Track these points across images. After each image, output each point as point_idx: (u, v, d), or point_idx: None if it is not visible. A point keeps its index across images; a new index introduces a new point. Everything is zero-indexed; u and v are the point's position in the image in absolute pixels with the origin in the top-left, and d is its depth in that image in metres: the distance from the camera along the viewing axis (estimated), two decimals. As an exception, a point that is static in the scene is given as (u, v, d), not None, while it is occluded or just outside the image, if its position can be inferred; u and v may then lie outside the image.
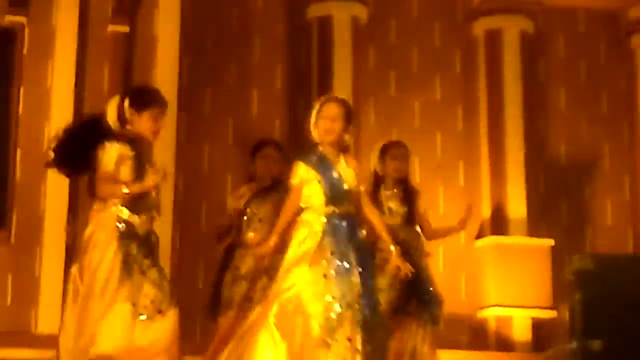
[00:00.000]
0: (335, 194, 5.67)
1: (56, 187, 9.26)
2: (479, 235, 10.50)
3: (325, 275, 5.43)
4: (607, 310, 4.10)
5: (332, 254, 5.50)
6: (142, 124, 5.48)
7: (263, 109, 10.66)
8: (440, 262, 9.92)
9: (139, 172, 5.38)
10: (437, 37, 11.17)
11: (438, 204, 10.54)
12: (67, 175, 5.98)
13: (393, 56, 11.01)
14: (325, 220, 5.58)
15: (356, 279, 5.43)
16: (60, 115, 9.46)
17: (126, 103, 5.46)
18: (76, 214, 9.28)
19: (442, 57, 11.08)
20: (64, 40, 9.72)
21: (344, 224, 5.61)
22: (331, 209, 5.63)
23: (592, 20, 11.40)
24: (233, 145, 10.41)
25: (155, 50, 9.76)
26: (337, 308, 5.33)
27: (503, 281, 10.14)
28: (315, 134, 5.85)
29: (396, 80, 10.98)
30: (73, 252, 9.02)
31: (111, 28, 10.01)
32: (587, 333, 4.03)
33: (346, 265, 5.46)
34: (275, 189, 7.15)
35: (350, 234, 5.58)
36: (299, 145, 10.14)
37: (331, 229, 5.56)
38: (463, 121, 10.93)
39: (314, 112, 5.86)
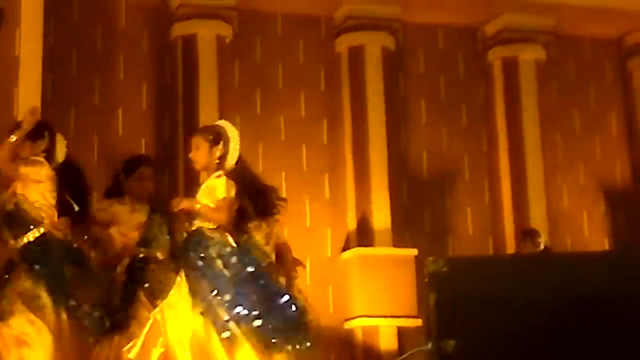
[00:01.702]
0: None
1: None
2: (345, 247, 10.65)
3: None
4: (461, 311, 4.21)
5: None
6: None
7: (129, 127, 10.61)
8: (307, 274, 10.01)
9: None
10: (301, 54, 11.31)
11: (305, 217, 10.67)
12: None
13: (258, 73, 11.10)
14: None
15: None
16: None
17: None
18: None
19: (306, 74, 11.22)
20: None
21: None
22: None
23: (450, 36, 11.69)
24: (98, 164, 10.31)
25: (17, 70, 9.60)
26: None
27: (369, 292, 10.28)
28: None
29: (261, 97, 11.07)
30: None
31: (-29, 48, 9.81)
32: (442, 334, 4.14)
33: None
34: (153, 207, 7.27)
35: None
36: (165, 163, 10.22)
37: None
38: (328, 135, 11.09)
39: None
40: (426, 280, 4.25)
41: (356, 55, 11.13)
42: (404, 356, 4.20)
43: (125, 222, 7.07)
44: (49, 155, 6.60)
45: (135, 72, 10.79)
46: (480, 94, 11.66)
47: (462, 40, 11.71)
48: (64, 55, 10.49)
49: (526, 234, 9.73)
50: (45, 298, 6.10)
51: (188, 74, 10.59)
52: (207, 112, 10.37)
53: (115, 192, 7.37)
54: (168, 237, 7.18)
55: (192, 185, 10.10)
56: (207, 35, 10.69)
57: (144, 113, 10.71)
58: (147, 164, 7.58)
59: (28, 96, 9.50)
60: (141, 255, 7.06)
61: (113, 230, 7.16)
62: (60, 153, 6.73)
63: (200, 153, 6.38)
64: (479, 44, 11.69)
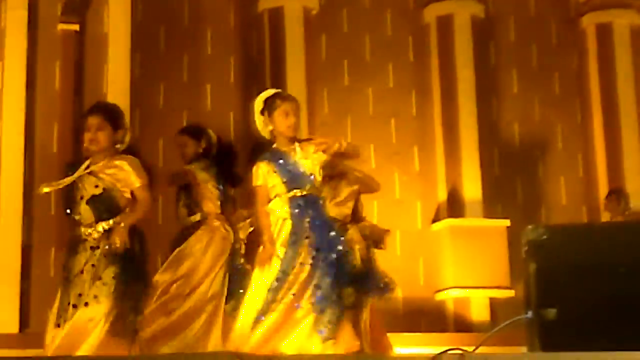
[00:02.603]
0: (293, 179, 5.80)
1: (10, 186, 9.21)
2: (436, 219, 10.56)
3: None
4: (561, 280, 4.12)
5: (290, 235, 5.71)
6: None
7: (217, 102, 10.64)
8: (397, 246, 9.94)
9: None
10: (388, 25, 11.20)
11: (394, 190, 10.59)
12: None
13: (345, 45, 11.03)
14: (288, 205, 5.76)
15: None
16: (12, 114, 9.40)
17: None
18: (31, 214, 9.22)
19: (394, 45, 11.11)
20: (14, 39, 9.62)
21: (304, 203, 5.78)
22: (292, 193, 5.77)
23: (542, 3, 11.48)
24: (188, 140, 10.36)
25: (107, 47, 9.71)
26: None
27: (460, 263, 10.19)
28: (268, 129, 5.93)
29: (349, 69, 10.99)
30: (29, 251, 9.01)
31: (61, 26, 9.91)
32: (542, 302, 4.05)
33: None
34: None
35: (308, 213, 5.76)
36: (253, 137, 10.20)
37: (293, 212, 5.75)
38: (417, 107, 10.98)
39: (266, 110, 5.92)
40: (525, 248, 4.17)
41: (445, 25, 10.98)
42: (502, 325, 4.08)
43: None
44: None
45: (222, 47, 10.80)
46: (573, 62, 11.43)
47: (554, 7, 11.49)
48: (151, 32, 10.55)
49: (612, 192, 9.63)
50: None
51: (275, 47, 10.57)
52: (295, 85, 10.33)
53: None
54: None
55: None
56: (294, 7, 10.65)
57: (232, 87, 10.73)
58: None
59: (117, 73, 9.62)
60: None
61: None
62: None
63: (297, 121, 6.10)
64: (572, 10, 11.46)
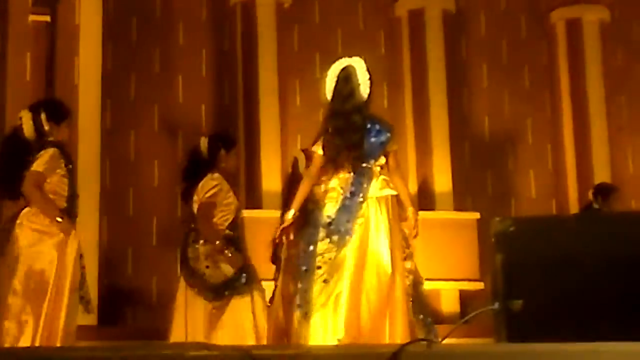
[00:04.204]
0: None
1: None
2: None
3: None
4: (527, 272, 4.16)
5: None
6: (61, 133, 5.98)
7: (189, 94, 10.62)
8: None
9: (70, 182, 5.86)
10: (360, 18, 11.22)
11: (373, 180, 10.62)
12: (13, 198, 6.01)
13: (317, 38, 11.04)
14: None
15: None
16: (-18, 106, 9.36)
17: (44, 117, 5.92)
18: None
19: (365, 38, 11.13)
20: (-16, 31, 9.58)
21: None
22: None
23: (512, -3, 11.55)
24: (159, 132, 10.36)
25: (78, 39, 9.68)
26: None
27: (430, 255, 10.18)
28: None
29: (321, 62, 11.00)
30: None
31: (32, 18, 9.88)
32: (509, 294, 4.09)
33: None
34: None
35: None
36: (225, 129, 10.21)
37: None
38: (388, 99, 11.00)
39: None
40: (492, 240, 4.20)
41: (416, 19, 11.01)
42: (469, 316, 4.13)
43: (220, 202, 6.64)
44: None
45: (194, 39, 10.79)
46: (543, 56, 11.48)
47: (524, 2, 11.53)
48: (123, 23, 10.51)
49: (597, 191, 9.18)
50: None
51: (247, 40, 10.56)
52: (267, 78, 10.35)
53: (211, 168, 6.74)
54: None
55: (252, 150, 10.16)
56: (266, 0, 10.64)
57: (204, 80, 10.72)
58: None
59: (88, 65, 9.60)
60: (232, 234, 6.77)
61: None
62: None
63: None
64: (542, 5, 11.50)
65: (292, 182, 7.47)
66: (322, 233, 5.33)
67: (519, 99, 11.31)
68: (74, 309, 5.75)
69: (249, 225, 9.52)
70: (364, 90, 5.67)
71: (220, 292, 6.42)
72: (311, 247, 5.36)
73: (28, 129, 5.88)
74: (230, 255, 6.46)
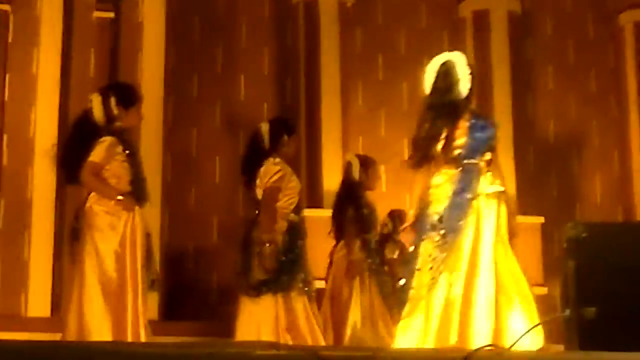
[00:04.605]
0: None
1: (43, 172, 9.19)
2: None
3: None
4: (600, 278, 4.07)
5: None
6: (130, 119, 5.88)
7: (251, 92, 10.63)
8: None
9: (132, 166, 5.77)
10: (423, 19, 11.13)
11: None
12: (73, 182, 6.00)
13: (380, 39, 10.97)
14: None
15: None
16: (46, 101, 9.42)
17: (113, 101, 5.81)
18: (63, 199, 9.22)
19: (429, 39, 11.03)
20: (49, 27, 9.62)
21: None
22: None
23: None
24: (221, 129, 10.36)
25: (141, 35, 9.73)
26: None
27: (494, 259, 10.10)
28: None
29: (384, 62, 10.94)
30: (60, 236, 9.02)
31: (96, 14, 9.91)
32: (581, 301, 4.00)
33: None
34: None
35: None
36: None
37: None
38: (451, 101, 10.88)
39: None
40: (565, 246, 4.11)
41: (481, 20, 10.89)
42: (539, 322, 4.03)
43: (285, 186, 6.50)
44: None
45: (256, 38, 10.79)
46: (610, 59, 11.32)
47: (591, 3, 11.38)
48: (186, 21, 10.55)
49: None
50: None
51: (309, 39, 10.52)
52: (329, 77, 10.31)
53: (272, 153, 6.60)
54: None
55: (313, 149, 10.12)
56: (329, -1, 10.59)
57: (266, 79, 10.71)
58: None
59: (151, 62, 9.63)
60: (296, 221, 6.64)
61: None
62: None
63: None
64: (609, 7, 11.33)
65: (345, 186, 7.44)
66: (431, 232, 5.17)
67: (584, 102, 11.16)
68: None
69: (309, 224, 9.55)
70: (464, 85, 5.51)
71: (259, 288, 6.30)
72: (417, 247, 5.21)
73: (98, 113, 5.80)
74: (273, 249, 6.31)
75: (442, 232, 5.12)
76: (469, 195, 5.20)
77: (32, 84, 9.47)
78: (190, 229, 9.89)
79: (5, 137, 9.44)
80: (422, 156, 5.37)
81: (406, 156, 10.12)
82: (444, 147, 5.29)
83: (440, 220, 5.16)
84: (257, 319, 6.20)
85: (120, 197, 5.63)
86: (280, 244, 6.30)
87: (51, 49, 9.58)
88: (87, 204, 5.70)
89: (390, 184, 10.18)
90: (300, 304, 6.27)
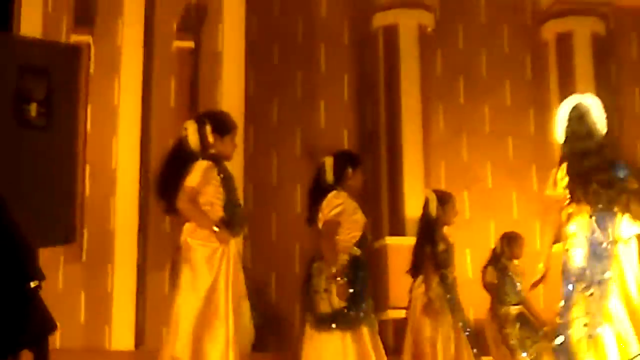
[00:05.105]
0: None
1: (126, 202, 9.24)
2: (556, 240, 10.23)
3: None
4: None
5: None
6: (225, 147, 5.80)
7: (331, 118, 10.57)
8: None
9: (228, 192, 5.67)
10: (505, 41, 10.98)
11: (512, 209, 10.33)
12: (171, 213, 5.96)
13: (461, 62, 10.85)
14: None
15: None
16: (127, 131, 9.48)
17: (208, 128, 5.75)
18: (146, 231, 9.24)
19: (511, 61, 10.88)
20: (130, 57, 9.71)
21: None
22: None
23: (663, 19, 11.12)
24: (301, 156, 10.32)
25: (221, 64, 9.76)
26: None
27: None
28: None
29: (465, 86, 10.80)
30: (144, 268, 9.03)
31: (176, 44, 9.96)
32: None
33: None
34: None
35: None
36: (368, 154, 10.10)
37: None
38: (534, 125, 10.71)
39: None
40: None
41: (564, 42, 10.69)
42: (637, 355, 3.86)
43: (346, 219, 6.56)
44: None
45: (336, 64, 10.74)
46: (700, 80, 11.03)
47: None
48: (265, 49, 10.54)
49: None
50: None
51: (389, 64, 10.45)
52: (409, 102, 10.22)
53: (335, 186, 6.47)
54: None
55: (394, 176, 10.01)
56: (409, 24, 10.52)
57: (346, 104, 10.65)
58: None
59: (231, 90, 9.64)
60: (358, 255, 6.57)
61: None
62: None
63: None
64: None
65: (423, 222, 7.34)
66: (578, 285, 5.07)
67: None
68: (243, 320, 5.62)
69: (391, 252, 9.44)
70: (602, 128, 5.44)
71: (327, 323, 6.19)
72: (568, 301, 5.11)
73: (193, 140, 5.74)
74: (341, 284, 6.21)
75: (589, 284, 5.08)
76: (607, 244, 5.13)
77: (113, 115, 9.54)
78: (272, 259, 9.83)
79: (88, 167, 9.50)
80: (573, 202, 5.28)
81: (490, 180, 10.07)
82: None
83: (584, 272, 5.12)
84: (324, 354, 6.10)
85: (216, 229, 5.57)
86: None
87: (132, 79, 9.65)
88: (183, 237, 5.65)
89: (473, 209, 10.03)
90: (367, 336, 6.17)
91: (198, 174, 5.63)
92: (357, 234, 6.35)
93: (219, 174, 5.69)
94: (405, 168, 10.03)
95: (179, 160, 5.76)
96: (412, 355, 7.18)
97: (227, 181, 5.72)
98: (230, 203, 5.70)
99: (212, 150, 5.73)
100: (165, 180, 5.80)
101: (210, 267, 5.53)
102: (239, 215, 5.74)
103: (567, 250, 5.15)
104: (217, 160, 5.74)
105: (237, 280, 5.62)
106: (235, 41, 9.80)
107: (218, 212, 5.64)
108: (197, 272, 5.54)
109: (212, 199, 5.66)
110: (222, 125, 5.83)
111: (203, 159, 5.68)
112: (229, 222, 5.63)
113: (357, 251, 6.29)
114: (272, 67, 10.62)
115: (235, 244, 5.65)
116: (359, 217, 6.39)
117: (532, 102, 10.76)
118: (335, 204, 6.31)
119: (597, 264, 5.01)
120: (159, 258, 9.12)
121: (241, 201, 6.03)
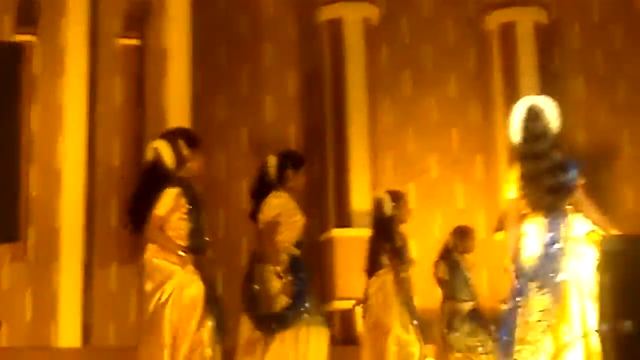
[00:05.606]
0: None
1: (72, 201, 9.20)
2: (499, 228, 10.37)
3: None
4: (637, 291, 3.98)
5: None
6: (196, 161, 5.72)
7: (277, 114, 10.59)
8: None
9: (195, 219, 5.58)
10: (450, 34, 11.07)
11: (456, 199, 10.43)
12: (136, 231, 5.92)
13: (406, 55, 10.92)
14: None
15: None
16: (73, 129, 9.44)
17: (182, 143, 5.67)
18: (92, 229, 9.21)
19: (456, 53, 10.98)
20: (75, 56, 9.66)
21: None
22: None
23: (606, 8, 11.24)
24: (248, 152, 10.34)
25: (166, 61, 9.74)
26: None
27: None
28: None
29: (411, 78, 10.88)
30: (90, 265, 9.01)
31: (121, 42, 9.92)
32: (618, 314, 3.91)
33: None
34: None
35: None
36: (314, 150, 10.15)
37: None
38: (479, 116, 10.81)
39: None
40: (599, 259, 4.03)
41: (508, 32, 10.79)
42: (577, 336, 3.96)
43: (286, 220, 6.58)
44: None
45: (281, 59, 10.77)
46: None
47: (619, 12, 11.23)
48: (210, 44, 10.52)
49: None
50: None
51: (335, 58, 10.49)
52: (356, 95, 10.28)
53: (276, 186, 6.51)
54: None
55: (341, 168, 10.07)
56: (354, 18, 10.56)
57: (292, 99, 10.68)
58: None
59: (178, 87, 9.63)
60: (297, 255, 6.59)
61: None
62: None
63: None
64: (639, 14, 11.20)
65: (377, 224, 7.39)
66: (530, 284, 5.11)
67: (615, 112, 11.01)
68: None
69: (338, 244, 9.50)
70: (555, 128, 5.59)
71: (267, 324, 6.22)
72: (520, 299, 5.16)
73: (169, 158, 5.63)
74: (286, 282, 6.24)
75: (542, 284, 5.08)
76: (560, 245, 5.15)
77: (59, 114, 9.49)
78: (219, 253, 9.82)
79: (32, 167, 9.44)
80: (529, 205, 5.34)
81: (435, 170, 10.16)
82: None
83: (536, 272, 5.13)
84: (268, 355, 6.16)
85: (181, 253, 5.56)
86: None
87: (77, 78, 9.61)
88: (146, 255, 5.65)
89: (419, 199, 10.09)
90: (304, 336, 6.21)
91: (166, 202, 5.59)
92: (296, 234, 6.39)
93: (188, 202, 5.65)
94: (351, 160, 10.08)
95: (153, 183, 5.69)
96: (371, 349, 7.22)
97: (195, 207, 5.68)
98: (197, 231, 5.68)
99: (189, 164, 5.67)
100: (136, 204, 5.75)
101: (169, 287, 5.53)
102: (203, 242, 5.72)
103: (520, 249, 5.23)
104: (187, 185, 5.64)
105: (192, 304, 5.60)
106: (181, 38, 9.79)
107: (183, 238, 5.64)
108: (156, 291, 5.55)
109: (176, 227, 5.63)
110: (193, 138, 5.77)
111: (172, 184, 5.67)
112: (194, 249, 5.64)
113: (296, 251, 6.33)
114: (218, 64, 10.61)
115: (192, 271, 5.60)
116: (298, 218, 6.43)
117: (477, 93, 10.86)
118: (274, 204, 6.35)
119: (550, 264, 5.09)
120: (105, 255, 9.11)
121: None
